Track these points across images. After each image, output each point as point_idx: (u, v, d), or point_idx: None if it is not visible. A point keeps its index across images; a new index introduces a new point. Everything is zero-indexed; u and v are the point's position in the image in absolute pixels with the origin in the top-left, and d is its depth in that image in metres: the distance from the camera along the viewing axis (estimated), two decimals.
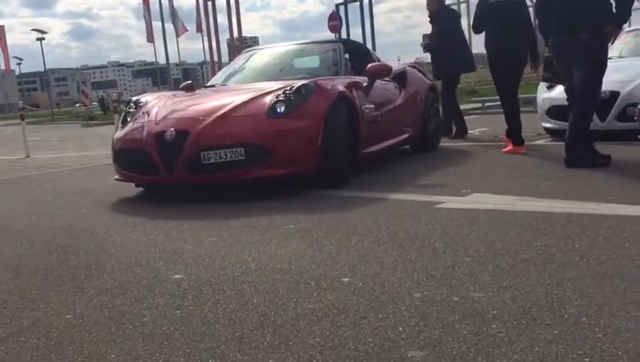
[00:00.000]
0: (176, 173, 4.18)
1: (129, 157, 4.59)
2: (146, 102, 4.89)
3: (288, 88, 4.42)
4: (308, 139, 4.24)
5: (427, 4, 7.76)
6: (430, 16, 7.75)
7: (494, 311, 1.90)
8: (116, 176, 4.80)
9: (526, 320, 1.82)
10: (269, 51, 6.49)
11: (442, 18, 7.65)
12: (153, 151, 4.27)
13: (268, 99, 4.39)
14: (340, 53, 5.76)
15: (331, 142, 4.31)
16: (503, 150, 5.85)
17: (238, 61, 6.52)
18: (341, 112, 4.54)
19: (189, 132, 4.20)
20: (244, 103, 4.43)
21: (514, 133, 5.81)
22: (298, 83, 4.49)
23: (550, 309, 1.88)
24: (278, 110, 4.29)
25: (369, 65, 5.51)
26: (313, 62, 6.02)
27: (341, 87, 4.70)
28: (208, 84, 6.21)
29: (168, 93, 5.42)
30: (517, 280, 2.16)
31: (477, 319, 1.85)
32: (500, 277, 2.21)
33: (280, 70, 5.78)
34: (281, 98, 4.34)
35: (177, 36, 29.13)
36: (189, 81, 6.37)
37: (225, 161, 4.14)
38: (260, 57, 6.32)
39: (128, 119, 4.80)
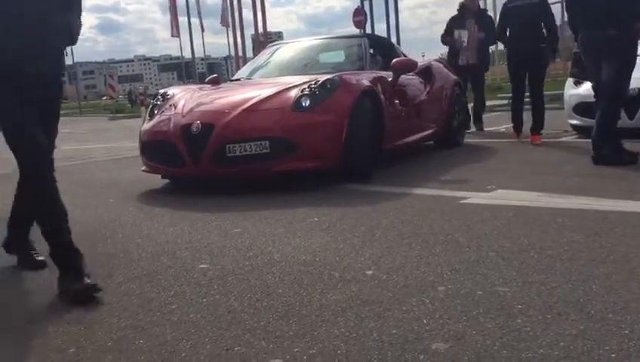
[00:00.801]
0: (202, 165, 4.21)
1: (156, 149, 4.63)
2: (173, 95, 4.92)
3: (313, 82, 4.43)
4: (332, 133, 4.25)
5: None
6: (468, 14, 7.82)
7: (519, 306, 1.89)
8: (143, 168, 4.84)
9: (551, 315, 1.81)
10: (294, 46, 6.51)
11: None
12: (179, 143, 4.30)
13: (293, 93, 4.40)
14: (365, 47, 5.74)
15: (355, 137, 4.31)
16: (535, 143, 6.11)
17: (263, 55, 6.56)
18: (366, 107, 4.54)
19: (215, 125, 4.23)
20: (270, 97, 4.44)
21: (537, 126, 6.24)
22: (323, 77, 4.51)
23: (576, 305, 1.87)
24: (303, 104, 4.30)
25: (394, 60, 5.48)
26: (338, 56, 6.02)
27: (366, 82, 4.70)
28: (234, 78, 6.24)
29: (194, 87, 5.47)
30: (542, 276, 2.16)
31: (501, 313, 1.85)
32: (525, 273, 2.20)
33: (305, 65, 5.79)
34: (306, 92, 4.35)
35: (201, 30, 29.28)
36: (215, 75, 6.42)
37: (250, 153, 4.16)
38: (284, 52, 6.34)
39: (155, 112, 4.84)
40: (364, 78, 4.80)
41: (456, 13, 7.94)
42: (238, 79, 5.98)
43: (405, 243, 2.70)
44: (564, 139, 6.51)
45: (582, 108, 6.17)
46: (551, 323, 1.75)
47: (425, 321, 1.83)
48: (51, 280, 2.36)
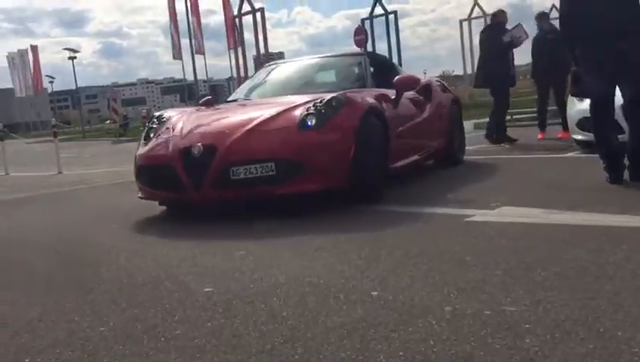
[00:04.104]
0: (204, 190, 4.05)
1: (152, 174, 4.44)
2: (169, 118, 4.76)
3: (318, 101, 4.31)
4: (340, 152, 4.13)
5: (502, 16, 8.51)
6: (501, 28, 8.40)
7: (527, 325, 1.87)
8: (139, 194, 4.63)
9: (560, 333, 1.79)
10: (292, 65, 6.44)
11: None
12: (179, 167, 4.12)
13: (298, 113, 4.29)
14: (366, 65, 5.67)
15: (363, 156, 4.19)
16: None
17: (260, 75, 6.45)
18: (372, 125, 4.45)
19: (217, 146, 4.07)
20: (274, 117, 4.32)
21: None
22: (328, 95, 4.39)
23: (584, 323, 1.85)
24: (309, 123, 4.17)
25: (396, 77, 5.43)
26: (338, 75, 5.93)
27: (371, 100, 4.66)
28: (230, 99, 6.08)
29: (191, 109, 5.34)
30: (550, 294, 2.13)
31: (509, 333, 1.83)
32: (532, 291, 2.18)
33: (304, 84, 5.72)
34: (311, 111, 4.23)
35: (195, 53, 29.44)
36: (208, 97, 6.28)
37: (255, 176, 4.00)
38: (282, 71, 6.27)
39: (151, 135, 4.65)
40: (369, 96, 4.75)
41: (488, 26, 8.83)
42: (235, 100, 5.82)
43: (411, 263, 2.68)
44: (568, 154, 6.50)
45: (586, 123, 6.16)
46: (559, 343, 1.73)
47: (432, 342, 1.81)
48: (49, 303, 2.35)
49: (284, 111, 4.39)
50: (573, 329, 1.81)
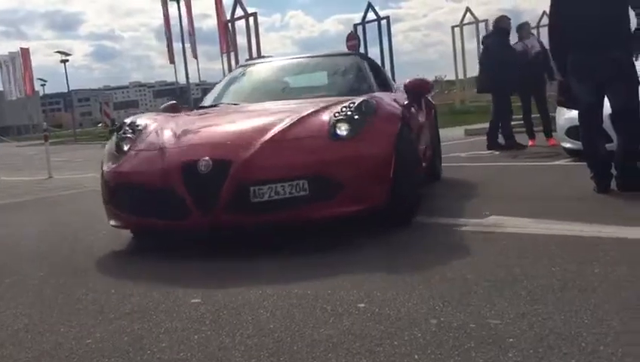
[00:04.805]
0: (216, 214, 3.26)
1: (137, 197, 3.54)
2: (146, 126, 3.90)
3: (347, 105, 3.65)
4: (381, 166, 3.51)
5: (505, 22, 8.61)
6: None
7: (511, 339, 1.89)
8: (113, 222, 3.76)
9: (543, 348, 1.80)
10: (275, 66, 5.55)
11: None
12: (179, 187, 3.31)
13: (324, 119, 3.62)
14: (366, 66, 5.04)
15: (403, 169, 3.60)
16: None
17: (238, 77, 5.50)
18: (407, 133, 3.92)
19: (232, 161, 3.30)
20: (295, 124, 3.60)
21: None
22: (357, 99, 3.76)
23: (568, 337, 1.87)
24: (342, 132, 3.50)
25: (407, 80, 4.94)
26: (340, 76, 5.15)
27: (397, 106, 4.15)
28: (207, 104, 5.04)
29: (163, 115, 4.45)
30: (534, 307, 2.15)
31: (493, 347, 1.84)
32: (517, 304, 2.20)
33: (305, 87, 5.09)
34: (341, 117, 3.56)
35: (188, 57, 29.48)
36: (173, 102, 5.29)
37: (283, 197, 3.27)
38: (269, 72, 5.46)
39: (125, 147, 3.75)
40: (390, 100, 4.20)
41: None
42: (215, 105, 4.86)
43: (398, 275, 2.69)
44: (557, 162, 6.55)
45: (575, 131, 6.19)
46: (542, 357, 1.74)
47: (417, 356, 1.82)
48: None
49: (307, 117, 3.70)
50: (556, 343, 1.83)
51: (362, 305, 2.33)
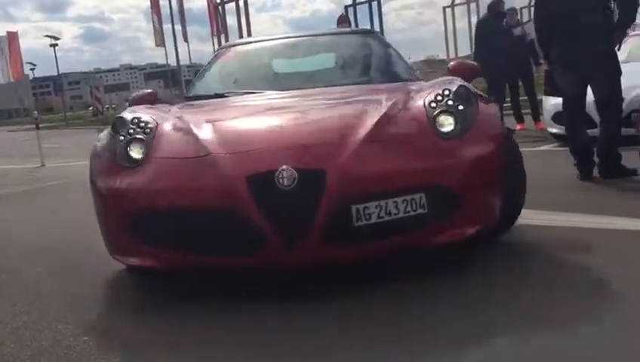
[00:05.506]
0: (307, 247, 2.36)
1: (186, 226, 2.49)
2: (157, 124, 2.80)
3: (442, 92, 2.80)
4: (494, 172, 2.70)
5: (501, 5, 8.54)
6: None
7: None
8: (132, 260, 2.70)
9: None
10: (263, 48, 4.41)
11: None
12: (249, 209, 2.34)
13: (417, 109, 2.77)
14: (390, 47, 4.21)
15: (511, 176, 2.84)
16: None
17: (235, 61, 4.33)
18: (507, 130, 3.06)
19: (326, 170, 2.39)
20: (386, 118, 2.69)
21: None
22: (453, 85, 2.88)
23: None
24: (447, 128, 2.66)
25: (451, 63, 3.89)
26: (372, 60, 4.20)
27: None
28: (203, 93, 3.82)
29: (169, 106, 3.42)
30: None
31: None
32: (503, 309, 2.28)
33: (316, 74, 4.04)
34: (442, 108, 2.72)
35: (178, 39, 29.23)
36: (149, 90, 4.11)
37: (395, 218, 2.43)
38: (264, 56, 4.31)
39: (138, 155, 2.66)
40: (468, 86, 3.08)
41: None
42: (222, 94, 3.64)
43: (381, 269, 2.76)
44: (544, 147, 6.62)
45: (560, 117, 6.27)
46: None
47: None
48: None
49: (393, 107, 2.79)
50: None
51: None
